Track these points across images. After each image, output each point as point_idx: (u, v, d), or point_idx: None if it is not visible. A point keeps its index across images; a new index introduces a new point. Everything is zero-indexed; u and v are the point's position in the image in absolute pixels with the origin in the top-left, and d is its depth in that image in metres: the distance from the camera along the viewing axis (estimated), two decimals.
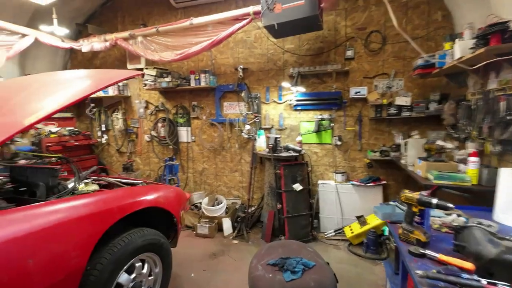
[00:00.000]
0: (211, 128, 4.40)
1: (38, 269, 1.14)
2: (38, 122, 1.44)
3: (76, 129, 4.93)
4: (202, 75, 4.05)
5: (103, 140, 5.10)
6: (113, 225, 1.54)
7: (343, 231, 3.46)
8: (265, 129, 3.99)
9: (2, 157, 3.86)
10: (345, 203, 3.58)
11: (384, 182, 3.46)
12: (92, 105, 4.93)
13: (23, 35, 3.84)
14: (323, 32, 3.60)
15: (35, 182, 1.72)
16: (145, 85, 4.35)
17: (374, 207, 2.30)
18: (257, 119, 3.97)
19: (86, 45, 4.28)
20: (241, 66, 3.99)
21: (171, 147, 4.55)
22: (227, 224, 3.73)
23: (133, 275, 1.73)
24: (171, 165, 4.03)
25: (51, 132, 4.53)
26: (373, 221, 3.23)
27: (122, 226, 1.69)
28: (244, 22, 3.29)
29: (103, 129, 5.07)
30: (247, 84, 4.05)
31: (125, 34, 4.02)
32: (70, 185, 2.12)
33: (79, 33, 4.85)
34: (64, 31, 4.03)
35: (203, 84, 4.06)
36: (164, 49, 3.88)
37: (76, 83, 2.14)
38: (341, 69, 3.54)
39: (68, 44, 4.29)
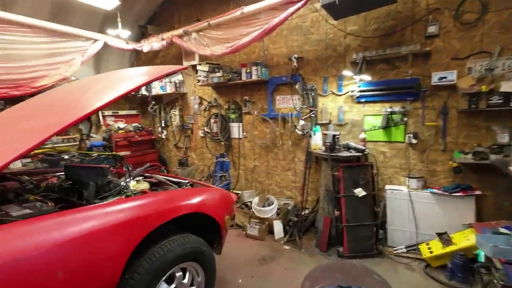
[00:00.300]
0: (262, 124, 4.17)
1: (68, 282, 1.07)
2: (92, 113, 1.45)
3: (140, 125, 5.30)
4: (254, 68, 3.83)
5: (163, 136, 5.39)
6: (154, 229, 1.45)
7: (418, 248, 2.84)
8: (322, 124, 3.57)
9: (80, 150, 4.35)
10: (421, 215, 2.94)
11: (478, 192, 2.71)
12: (153, 102, 5.22)
13: (95, 40, 4.21)
14: (396, 6, 2.96)
15: (86, 182, 1.73)
16: (199, 81, 4.36)
17: (477, 236, 1.72)
18: (312, 114, 3.57)
19: (146, 46, 4.49)
20: (296, 56, 3.63)
21: (223, 143, 4.50)
22: (278, 227, 3.48)
23: (173, 286, 1.62)
24: (222, 162, 3.96)
25: (119, 128, 4.95)
26: (461, 241, 2.56)
27: (164, 229, 1.59)
28: (299, 4, 2.92)
29: (163, 125, 5.34)
30: (301, 75, 3.67)
31: (180, 31, 4.06)
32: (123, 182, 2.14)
33: (142, 35, 5.15)
34: (127, 33, 4.29)
35: (254, 77, 3.84)
36: (216, 42, 3.78)
37: (127, 79, 2.16)
38: (420, 50, 2.87)
39: (131, 46, 4.57)
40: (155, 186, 2.43)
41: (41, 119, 1.71)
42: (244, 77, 3.93)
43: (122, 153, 4.73)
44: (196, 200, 1.77)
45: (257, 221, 3.57)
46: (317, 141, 3.35)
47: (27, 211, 1.21)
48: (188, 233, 1.78)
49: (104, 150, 4.54)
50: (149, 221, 1.43)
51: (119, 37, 4.34)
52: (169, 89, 4.93)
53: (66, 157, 3.96)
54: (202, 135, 4.84)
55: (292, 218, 3.47)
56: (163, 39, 4.27)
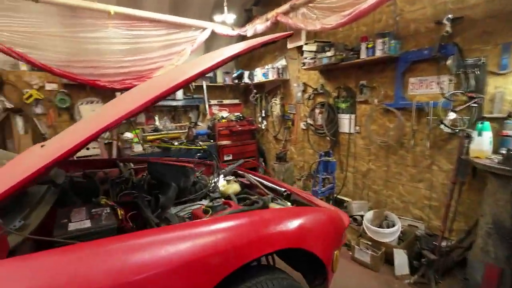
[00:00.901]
0: (384, 116, 3.17)
1: None
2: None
3: (241, 115, 5.19)
4: (379, 41, 2.87)
5: (263, 126, 5.11)
6: None
7: None
8: (492, 119, 2.29)
9: (188, 138, 4.58)
10: None
11: None
12: (255, 91, 4.99)
13: (203, 29, 4.23)
14: None
15: (167, 182, 1.45)
16: (303, 64, 3.74)
17: None
18: (475, 103, 2.34)
19: (250, 29, 4.20)
20: (450, 16, 2.44)
21: (328, 138, 3.76)
22: (400, 258, 2.53)
23: None
24: (327, 162, 3.25)
25: (222, 117, 4.98)
26: None
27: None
28: None
29: (263, 115, 5.05)
30: (458, 45, 2.46)
31: (285, 7, 3.52)
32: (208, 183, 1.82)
33: (247, 20, 4.93)
34: (232, 17, 4.10)
35: (378, 53, 2.88)
36: (328, 13, 3.03)
37: (223, 54, 1.80)
38: None
39: (236, 32, 4.39)
40: (247, 188, 2.04)
41: (124, 105, 1.51)
42: (363, 55, 3.02)
43: (224, 142, 4.74)
44: (295, 227, 1.20)
45: (369, 243, 2.73)
46: (482, 144, 2.15)
47: (86, 224, 0.96)
48: (279, 270, 1.25)
49: (208, 139, 4.64)
50: (228, 259, 0.96)
51: (225, 23, 4.21)
52: (271, 76, 4.53)
53: (176, 143, 4.21)
54: (304, 128, 4.24)
55: (425, 252, 2.43)
56: (267, 20, 3.85)
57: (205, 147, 2.20)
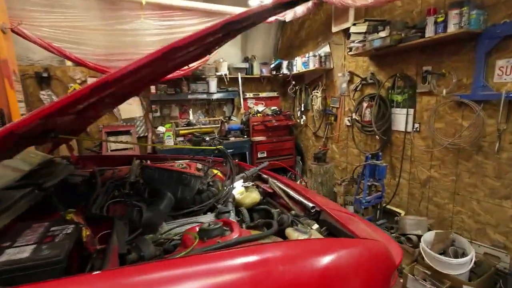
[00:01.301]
0: (456, 111, 2.47)
1: None
2: None
3: (278, 109, 4.80)
4: (453, 13, 2.19)
5: (302, 122, 4.65)
6: None
7: None
8: None
9: (220, 133, 4.37)
10: None
11: None
12: (293, 82, 4.55)
13: None
14: None
15: (162, 191, 1.18)
16: (350, 50, 3.17)
17: None
18: None
19: (289, 13, 3.77)
20: None
21: (377, 137, 3.16)
22: None
23: None
24: (374, 166, 2.70)
25: (257, 112, 4.65)
26: None
27: None
28: None
29: (302, 109, 4.58)
30: None
31: None
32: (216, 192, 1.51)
33: None
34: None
35: (452, 29, 2.21)
36: None
37: None
38: None
39: (274, 17, 3.98)
40: (270, 197, 1.68)
41: None
42: (429, 33, 2.37)
43: (257, 138, 4.42)
44: (315, 275, 0.81)
45: (429, 273, 2.14)
46: None
47: (23, 253, 0.72)
48: None
49: (241, 134, 4.37)
50: None
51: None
52: (312, 65, 4.03)
53: (207, 138, 4.04)
54: (349, 124, 3.67)
55: None
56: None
57: (220, 147, 1.88)
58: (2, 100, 2.55)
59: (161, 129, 4.02)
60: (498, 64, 2.14)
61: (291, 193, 1.61)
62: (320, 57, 3.91)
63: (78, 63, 3.13)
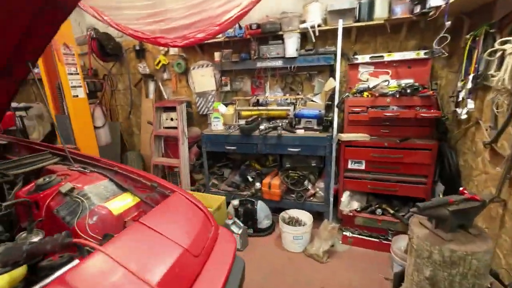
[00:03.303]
0: None
1: None
2: None
3: (417, 84, 2.46)
4: None
5: (463, 113, 2.10)
6: None
7: None
8: None
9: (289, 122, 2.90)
10: None
11: None
12: (449, 23, 2.06)
13: None
14: None
15: None
16: None
17: None
18: None
19: None
20: None
21: None
22: None
23: None
24: None
25: (368, 88, 2.61)
26: None
27: None
28: None
29: (470, 84, 2.01)
30: None
31: None
32: None
33: None
34: None
35: None
36: None
37: None
38: None
39: None
40: None
41: None
42: None
43: (350, 136, 2.49)
44: None
45: None
46: None
47: None
48: None
49: (319, 126, 2.63)
50: None
51: None
52: None
53: (262, 127, 2.77)
54: None
55: None
56: None
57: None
58: (55, 73, 2.77)
59: (221, 108, 3.19)
60: None
61: None
62: None
63: (117, 29, 2.88)
